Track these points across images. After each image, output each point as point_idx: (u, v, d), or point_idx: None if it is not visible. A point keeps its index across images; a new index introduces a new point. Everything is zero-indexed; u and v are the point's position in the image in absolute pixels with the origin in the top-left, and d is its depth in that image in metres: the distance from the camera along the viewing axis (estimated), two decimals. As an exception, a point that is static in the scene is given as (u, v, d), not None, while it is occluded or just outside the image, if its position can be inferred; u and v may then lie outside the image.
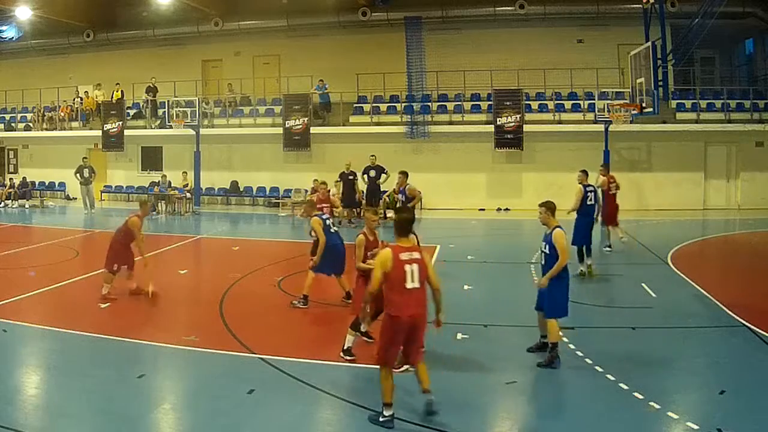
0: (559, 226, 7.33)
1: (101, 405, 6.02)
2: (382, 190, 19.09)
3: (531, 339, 8.06)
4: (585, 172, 12.19)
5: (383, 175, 19.30)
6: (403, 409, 5.84)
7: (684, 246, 14.61)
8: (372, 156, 19.66)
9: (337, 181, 19.32)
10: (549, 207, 7.45)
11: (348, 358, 7.17)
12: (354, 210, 19.24)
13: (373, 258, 6.83)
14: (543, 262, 7.44)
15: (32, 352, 7.64)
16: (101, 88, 26.23)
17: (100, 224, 19.67)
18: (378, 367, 5.69)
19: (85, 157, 23.29)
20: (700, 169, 21.92)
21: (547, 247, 7.28)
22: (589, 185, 12.06)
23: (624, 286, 11.12)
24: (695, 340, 8.17)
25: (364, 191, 19.55)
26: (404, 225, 5.76)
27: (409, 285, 5.53)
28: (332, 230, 9.49)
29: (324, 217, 9.49)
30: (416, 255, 5.63)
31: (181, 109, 23.29)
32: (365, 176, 19.41)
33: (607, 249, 14.08)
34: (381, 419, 5.58)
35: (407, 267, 5.53)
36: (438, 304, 5.77)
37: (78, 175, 22.00)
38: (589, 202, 11.80)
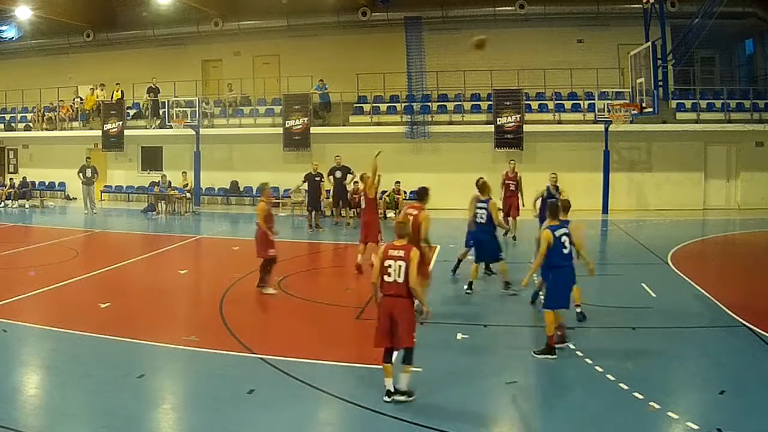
0: (550, 227, 7.51)
1: (101, 405, 6.02)
2: (385, 190, 18.89)
3: (531, 339, 8.08)
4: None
5: (349, 176, 19.01)
6: (405, 410, 5.85)
7: (684, 246, 14.61)
8: (337, 156, 19.30)
9: (303, 182, 18.95)
10: (554, 207, 7.82)
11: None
12: (319, 212, 18.98)
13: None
14: None
15: (32, 352, 7.64)
16: (103, 89, 26.19)
17: (100, 224, 19.68)
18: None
19: (89, 157, 23.24)
20: (700, 169, 21.92)
21: None
22: None
23: (624, 286, 11.10)
24: (695, 340, 8.17)
25: (330, 191, 19.41)
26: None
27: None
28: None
29: None
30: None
31: (181, 109, 23.29)
32: (331, 177, 18.99)
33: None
34: None
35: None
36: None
37: (81, 174, 21.92)
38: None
